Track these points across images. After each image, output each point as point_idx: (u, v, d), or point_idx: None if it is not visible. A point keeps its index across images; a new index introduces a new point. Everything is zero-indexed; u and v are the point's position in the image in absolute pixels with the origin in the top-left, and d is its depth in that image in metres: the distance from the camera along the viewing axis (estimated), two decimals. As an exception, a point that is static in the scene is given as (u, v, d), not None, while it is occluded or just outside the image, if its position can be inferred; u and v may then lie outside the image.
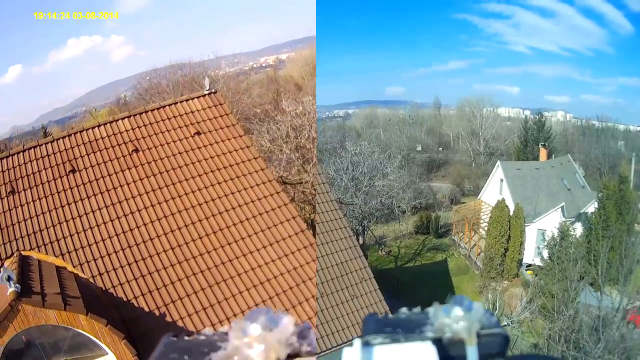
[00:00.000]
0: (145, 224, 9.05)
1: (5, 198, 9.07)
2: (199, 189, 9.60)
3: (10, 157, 9.68)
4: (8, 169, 9.48)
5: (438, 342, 0.57)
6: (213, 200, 9.51)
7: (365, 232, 24.51)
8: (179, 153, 10.07)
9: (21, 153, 9.75)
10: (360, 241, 23.74)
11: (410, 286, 23.48)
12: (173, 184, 9.59)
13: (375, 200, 24.09)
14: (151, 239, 8.93)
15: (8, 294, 6.53)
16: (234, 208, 9.52)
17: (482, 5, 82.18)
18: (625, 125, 60.45)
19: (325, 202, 12.11)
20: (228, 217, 9.39)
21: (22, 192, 9.20)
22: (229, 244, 9.18)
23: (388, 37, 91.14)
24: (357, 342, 0.56)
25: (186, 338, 0.61)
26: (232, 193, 9.69)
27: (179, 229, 9.12)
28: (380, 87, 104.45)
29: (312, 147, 19.65)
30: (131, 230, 8.96)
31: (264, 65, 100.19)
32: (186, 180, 9.68)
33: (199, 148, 10.21)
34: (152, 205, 9.26)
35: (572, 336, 18.42)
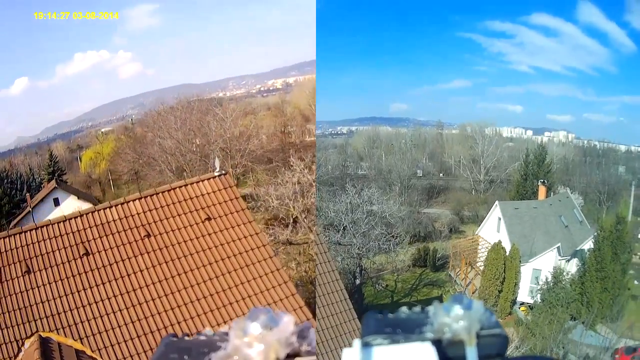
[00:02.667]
0: (159, 313, 9.77)
1: (22, 277, 9.69)
2: (210, 279, 10.29)
3: (23, 233, 10.19)
4: (22, 246, 9.98)
5: (438, 342, 0.57)
6: (224, 290, 10.19)
7: (362, 273, 25.17)
8: (190, 240, 10.75)
9: (34, 230, 10.23)
10: (357, 282, 24.38)
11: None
12: (185, 272, 10.29)
13: (374, 242, 24.78)
14: (165, 328, 9.65)
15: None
16: (244, 299, 10.21)
17: (485, 23, 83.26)
18: (627, 145, 61.08)
19: (327, 272, 12.83)
20: (238, 308, 10.09)
21: (38, 272, 9.75)
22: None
23: (392, 55, 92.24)
24: (357, 343, 0.56)
25: (186, 338, 0.63)
26: (242, 283, 10.33)
27: (192, 318, 9.82)
28: (384, 104, 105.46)
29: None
30: (146, 318, 9.67)
31: (271, 88, 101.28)
32: (197, 268, 10.37)
33: (209, 234, 10.87)
34: (166, 295, 9.97)
35: None
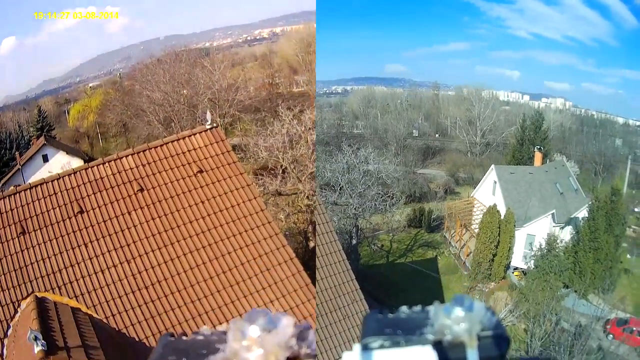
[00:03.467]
0: (153, 267, 9.61)
1: (17, 238, 9.51)
2: (203, 232, 10.11)
3: (18, 194, 10.02)
4: (17, 207, 9.82)
5: (438, 344, 0.56)
6: (216, 243, 10.05)
7: (359, 233, 25.24)
8: (182, 193, 10.50)
9: (28, 190, 10.07)
10: (353, 242, 24.48)
11: (401, 287, 24.42)
12: (178, 226, 10.08)
13: (371, 203, 24.68)
14: (159, 282, 9.51)
15: (36, 353, 7.14)
16: (235, 250, 10.07)
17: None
18: (625, 118, 60.73)
19: (325, 232, 12.68)
20: (230, 260, 9.96)
21: (33, 232, 9.61)
22: (231, 285, 9.79)
23: (389, 15, 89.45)
24: (357, 347, 0.56)
25: (184, 338, 0.62)
26: (234, 235, 10.21)
27: (185, 271, 9.69)
28: (379, 65, 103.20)
29: (310, 159, 20.02)
30: (140, 273, 9.52)
31: (258, 38, 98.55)
32: (190, 222, 10.17)
33: (201, 187, 10.64)
34: (159, 248, 9.79)
35: (551, 342, 19.36)
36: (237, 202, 10.60)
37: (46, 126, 44.54)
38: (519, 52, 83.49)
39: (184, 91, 33.37)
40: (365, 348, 0.57)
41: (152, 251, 9.78)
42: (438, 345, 0.56)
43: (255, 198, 10.74)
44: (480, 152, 48.75)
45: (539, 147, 32.73)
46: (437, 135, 56.29)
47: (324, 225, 12.64)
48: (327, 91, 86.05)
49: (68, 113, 54.33)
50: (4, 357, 8.63)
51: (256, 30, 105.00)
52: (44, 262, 9.34)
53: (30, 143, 40.78)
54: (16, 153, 36.75)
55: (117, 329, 9.04)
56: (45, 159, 34.24)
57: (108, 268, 9.50)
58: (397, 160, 34.86)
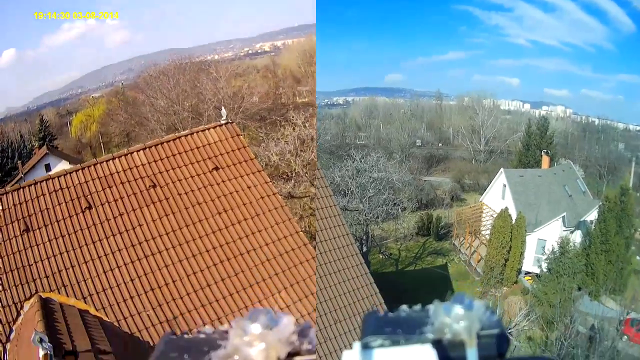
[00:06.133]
0: (167, 266, 9.06)
1: (20, 236, 8.92)
2: (219, 229, 9.58)
3: (22, 189, 9.43)
4: (20, 203, 9.21)
5: (438, 343, 0.57)
6: (234, 241, 9.51)
7: (369, 240, 24.71)
8: (197, 189, 10.00)
9: (33, 186, 9.47)
10: (364, 249, 23.92)
11: (413, 291, 23.83)
12: (193, 223, 9.55)
13: (381, 208, 24.21)
14: (174, 282, 8.95)
15: (41, 356, 6.55)
16: (254, 249, 9.53)
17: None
18: (625, 124, 60.69)
19: (326, 207, 12.21)
20: (249, 259, 9.41)
21: (37, 230, 9.03)
22: (251, 285, 9.23)
23: (387, 26, 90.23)
24: (357, 345, 0.56)
25: (186, 336, 0.62)
26: (253, 233, 9.68)
27: (201, 270, 9.13)
28: (379, 75, 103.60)
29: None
30: (153, 272, 8.96)
31: (259, 51, 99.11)
32: (206, 219, 9.64)
33: (217, 184, 10.15)
34: (173, 247, 9.24)
35: (568, 346, 18.90)
36: (255, 198, 10.09)
37: (48, 136, 44.16)
38: (518, 59, 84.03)
39: (190, 100, 33.07)
40: (365, 347, 0.57)
41: (166, 250, 9.23)
42: (438, 344, 0.56)
43: (273, 194, 10.24)
44: (485, 160, 48.52)
45: (546, 150, 32.42)
46: (440, 144, 56.12)
47: (324, 200, 12.25)
48: (329, 102, 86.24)
49: (70, 124, 53.99)
50: (6, 363, 8.03)
51: (257, 44, 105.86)
52: (48, 261, 8.77)
53: (33, 152, 40.36)
54: (18, 162, 36.27)
55: (129, 333, 8.45)
56: (48, 168, 33.73)
57: (118, 267, 8.94)
58: (402, 168, 34.52)
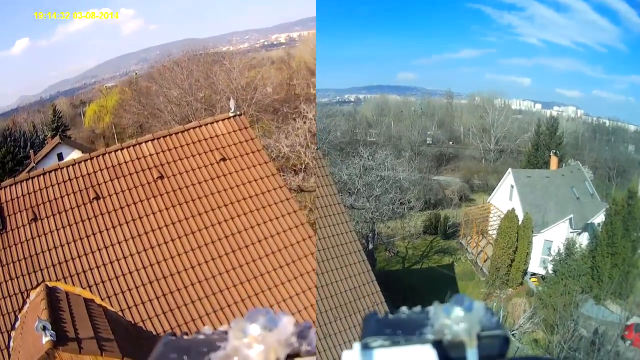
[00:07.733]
0: (172, 257, 9.12)
1: (27, 225, 9.00)
2: (225, 220, 9.62)
3: (30, 179, 9.52)
4: (29, 193, 9.30)
5: (438, 344, 0.57)
6: (240, 232, 9.55)
7: (375, 237, 24.66)
8: (205, 180, 10.05)
9: (41, 176, 9.54)
10: (370, 246, 23.89)
11: (418, 289, 23.78)
12: (199, 214, 9.60)
13: (388, 207, 24.11)
14: (179, 272, 9.02)
15: (44, 343, 6.66)
16: (260, 241, 9.56)
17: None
18: (636, 126, 59.85)
19: (327, 195, 12.21)
20: (254, 251, 9.45)
21: (45, 219, 9.12)
22: (255, 277, 9.26)
23: (399, 24, 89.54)
24: (357, 346, 0.57)
25: (185, 337, 0.62)
26: (258, 224, 9.71)
27: (206, 262, 9.19)
28: (391, 73, 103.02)
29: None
30: (158, 262, 9.03)
31: (275, 43, 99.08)
32: (212, 210, 9.68)
33: (224, 175, 10.18)
34: (179, 237, 9.30)
35: (569, 350, 18.80)
36: (262, 191, 10.11)
37: (61, 126, 44.60)
38: (530, 59, 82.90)
39: (203, 90, 33.11)
40: (365, 347, 0.57)
41: (172, 240, 9.30)
42: (438, 345, 0.56)
43: (280, 187, 10.25)
44: (495, 159, 48.19)
45: (554, 151, 32.07)
46: (450, 142, 55.83)
47: (325, 188, 12.25)
48: (340, 99, 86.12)
49: (83, 115, 54.40)
50: (11, 350, 8.15)
51: (273, 35, 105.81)
52: (55, 250, 8.86)
53: (45, 142, 40.79)
54: (30, 151, 36.69)
55: (132, 322, 8.54)
56: (60, 157, 34.06)
57: (124, 257, 9.03)
58: (411, 166, 34.37)
